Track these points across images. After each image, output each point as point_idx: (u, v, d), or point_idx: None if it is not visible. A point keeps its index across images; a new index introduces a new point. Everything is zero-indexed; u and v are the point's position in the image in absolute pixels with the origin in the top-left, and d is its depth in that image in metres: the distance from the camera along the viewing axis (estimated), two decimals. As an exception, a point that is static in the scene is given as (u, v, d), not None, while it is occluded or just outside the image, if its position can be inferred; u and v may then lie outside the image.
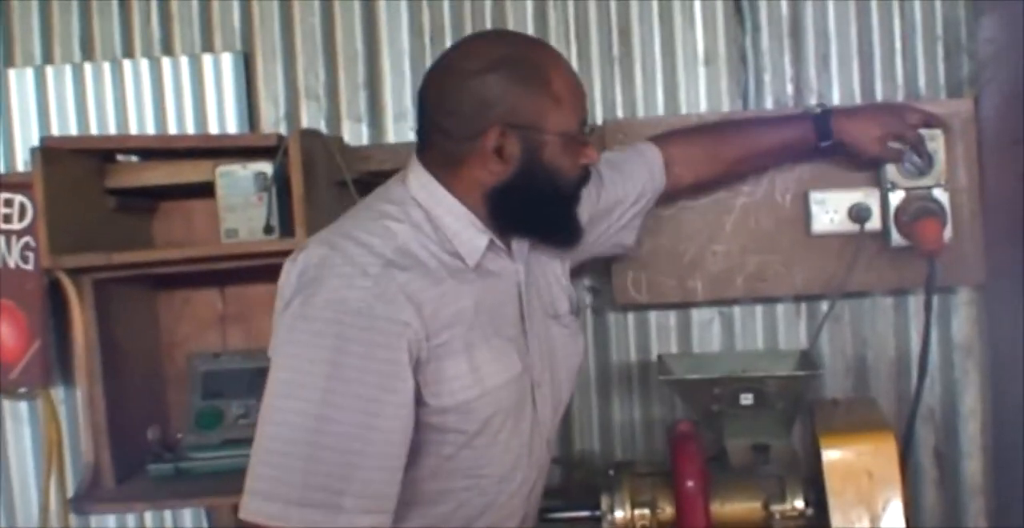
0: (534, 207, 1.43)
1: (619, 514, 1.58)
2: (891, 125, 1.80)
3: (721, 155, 1.83)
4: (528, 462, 1.46)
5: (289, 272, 1.35)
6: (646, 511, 1.58)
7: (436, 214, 1.40)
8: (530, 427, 1.46)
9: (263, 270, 1.86)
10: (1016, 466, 1.93)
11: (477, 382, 1.37)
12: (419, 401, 1.31)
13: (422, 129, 1.45)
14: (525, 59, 1.40)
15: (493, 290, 1.42)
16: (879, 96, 2.02)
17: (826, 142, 1.80)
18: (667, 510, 1.57)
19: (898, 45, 2.02)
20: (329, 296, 1.28)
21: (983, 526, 2.05)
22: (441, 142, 1.41)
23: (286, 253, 1.76)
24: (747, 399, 1.60)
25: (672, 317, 2.08)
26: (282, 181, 1.82)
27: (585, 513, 1.65)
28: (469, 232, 1.40)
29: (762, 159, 1.89)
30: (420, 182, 1.42)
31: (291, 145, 1.75)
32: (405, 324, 1.29)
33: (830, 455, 1.51)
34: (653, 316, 2.09)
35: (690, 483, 1.52)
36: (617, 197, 1.72)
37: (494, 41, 1.48)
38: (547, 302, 1.56)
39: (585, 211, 1.59)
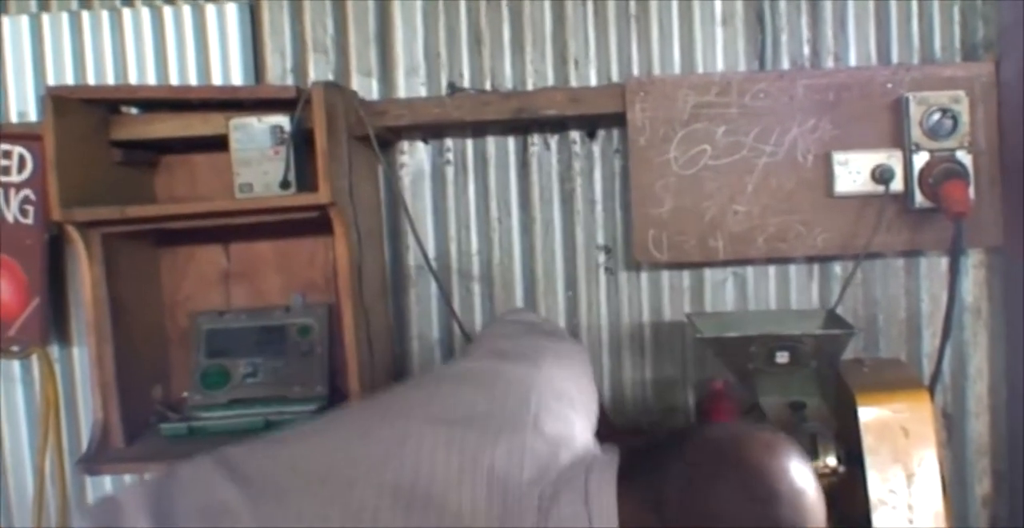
0: None
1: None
2: None
3: None
4: None
5: None
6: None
7: None
8: None
9: (269, 227, 1.82)
10: (1022, 427, 1.96)
11: None
12: None
13: None
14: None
15: None
16: (895, 59, 2.01)
17: None
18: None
19: (915, 8, 2.02)
20: None
21: (988, 485, 2.08)
22: None
23: (303, 208, 1.75)
24: (783, 357, 1.59)
25: (686, 277, 2.07)
26: (298, 135, 1.78)
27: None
28: None
29: None
30: None
31: (314, 98, 1.69)
32: None
33: (866, 413, 1.50)
34: (666, 276, 2.07)
35: (726, 441, 1.51)
36: None
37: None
38: None
39: None
